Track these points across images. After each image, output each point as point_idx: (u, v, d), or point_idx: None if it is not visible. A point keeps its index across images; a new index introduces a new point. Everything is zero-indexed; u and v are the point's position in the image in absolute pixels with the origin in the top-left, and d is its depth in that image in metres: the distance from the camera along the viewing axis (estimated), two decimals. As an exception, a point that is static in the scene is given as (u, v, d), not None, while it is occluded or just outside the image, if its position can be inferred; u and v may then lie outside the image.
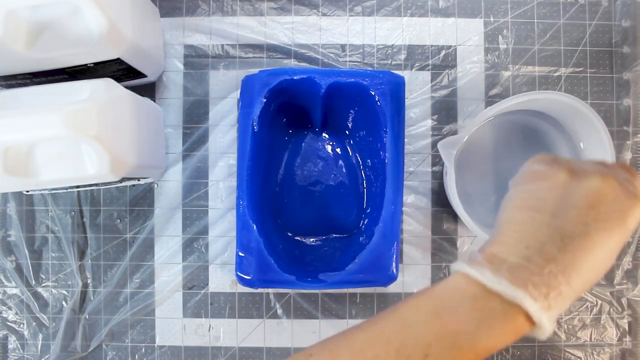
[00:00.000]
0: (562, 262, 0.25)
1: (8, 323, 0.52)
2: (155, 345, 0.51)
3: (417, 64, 0.52)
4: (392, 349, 0.25)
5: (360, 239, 0.47)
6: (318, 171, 0.51)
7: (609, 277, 0.52)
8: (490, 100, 0.52)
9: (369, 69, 0.52)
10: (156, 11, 0.51)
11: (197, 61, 0.52)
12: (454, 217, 0.52)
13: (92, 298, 0.51)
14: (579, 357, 0.52)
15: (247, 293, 0.51)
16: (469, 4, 0.53)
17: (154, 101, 0.52)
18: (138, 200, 0.52)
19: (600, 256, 0.26)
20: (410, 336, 0.25)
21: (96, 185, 0.48)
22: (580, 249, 0.26)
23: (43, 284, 0.52)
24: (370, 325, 0.27)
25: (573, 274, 0.25)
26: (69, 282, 0.51)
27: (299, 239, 0.51)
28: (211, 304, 0.51)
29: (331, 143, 0.52)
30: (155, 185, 0.52)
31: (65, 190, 0.50)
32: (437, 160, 0.52)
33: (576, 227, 0.26)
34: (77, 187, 0.49)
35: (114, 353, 0.51)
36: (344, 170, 0.51)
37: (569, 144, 0.49)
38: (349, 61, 0.53)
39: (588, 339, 0.52)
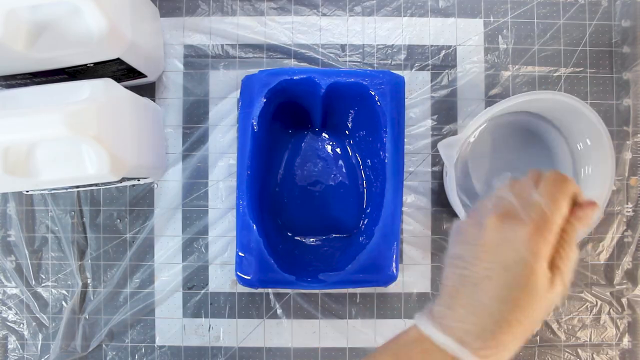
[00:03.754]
0: (472, 306, 0.28)
1: (8, 323, 0.52)
2: (155, 345, 0.51)
3: (417, 64, 0.52)
4: None
5: (360, 239, 0.47)
6: (318, 171, 0.51)
7: (609, 277, 0.52)
8: (490, 100, 0.52)
9: (369, 69, 0.52)
10: (156, 11, 0.51)
11: (197, 61, 0.52)
12: (454, 217, 0.52)
13: (92, 298, 0.51)
14: (579, 357, 0.52)
15: (247, 293, 0.51)
16: (469, 4, 0.53)
17: (154, 101, 0.52)
18: (138, 200, 0.52)
19: (509, 292, 0.27)
20: None
21: (96, 185, 0.48)
22: (485, 290, 0.28)
23: (43, 284, 0.52)
24: None
25: (485, 316, 0.27)
26: (69, 282, 0.51)
27: (298, 238, 0.51)
28: (211, 304, 0.51)
29: (331, 143, 0.52)
30: (155, 185, 0.52)
31: (65, 190, 0.50)
32: (437, 160, 0.52)
33: (479, 274, 0.28)
34: (77, 187, 0.49)
35: (114, 353, 0.51)
36: (343, 170, 0.51)
37: (568, 144, 0.49)
38: (349, 61, 0.53)
39: (588, 339, 0.52)
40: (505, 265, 0.28)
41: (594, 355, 0.52)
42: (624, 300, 0.52)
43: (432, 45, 0.53)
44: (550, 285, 0.28)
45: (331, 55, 0.52)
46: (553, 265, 0.28)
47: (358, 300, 0.51)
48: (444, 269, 0.31)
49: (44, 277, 0.52)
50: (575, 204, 0.30)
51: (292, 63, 0.52)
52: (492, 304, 0.27)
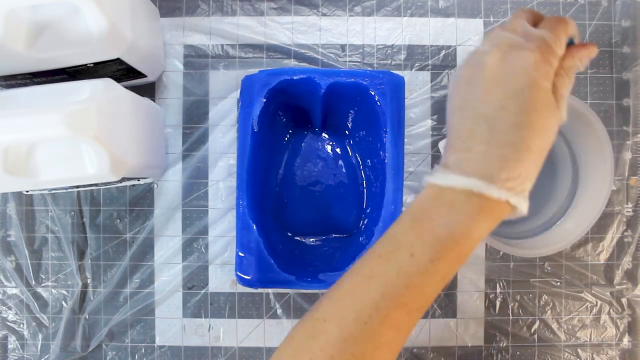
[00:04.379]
0: (492, 139, 0.27)
1: (8, 323, 0.52)
2: (155, 345, 0.51)
3: (417, 64, 0.52)
4: (382, 260, 0.28)
5: (360, 239, 0.47)
6: (318, 171, 0.51)
7: (608, 277, 0.52)
8: (490, 100, 0.52)
9: (369, 69, 0.52)
10: (156, 11, 0.51)
11: (197, 61, 0.52)
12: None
13: (92, 298, 0.51)
14: (578, 357, 0.52)
15: (247, 293, 0.51)
16: (469, 4, 0.53)
17: (154, 101, 0.52)
18: (138, 200, 0.52)
19: (524, 117, 0.27)
20: (395, 244, 0.28)
21: (96, 185, 0.48)
22: (502, 120, 0.27)
23: (43, 284, 0.52)
24: (367, 250, 0.30)
25: (507, 145, 0.27)
26: (69, 282, 0.51)
27: (299, 238, 0.51)
28: (211, 304, 0.51)
29: (331, 143, 0.52)
30: (155, 185, 0.52)
31: (65, 190, 0.50)
32: (437, 160, 0.52)
33: (492, 106, 0.28)
34: (77, 187, 0.49)
35: (114, 353, 0.51)
36: (343, 170, 0.51)
37: (568, 144, 0.49)
38: (349, 61, 0.53)
39: (588, 339, 0.52)
40: (518, 91, 0.27)
41: (594, 355, 0.52)
42: (624, 300, 0.52)
43: (432, 45, 0.53)
44: (556, 107, 0.28)
45: (331, 55, 0.52)
46: (555, 91, 0.29)
47: (358, 300, 0.51)
48: (449, 120, 0.30)
49: (44, 277, 0.52)
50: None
51: (292, 63, 0.52)
52: (511, 132, 0.27)
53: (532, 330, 0.52)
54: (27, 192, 0.51)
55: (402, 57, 0.53)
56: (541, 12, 0.52)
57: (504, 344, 0.51)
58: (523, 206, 0.28)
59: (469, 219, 0.27)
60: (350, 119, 0.50)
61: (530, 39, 0.28)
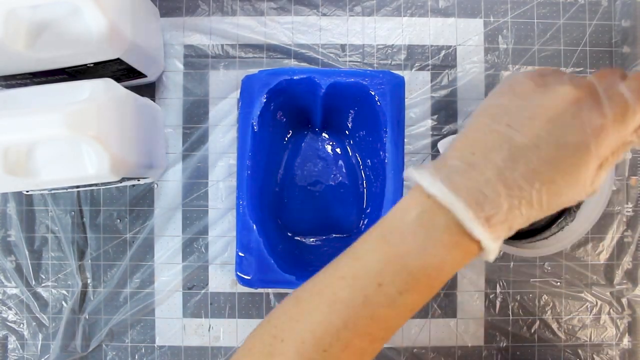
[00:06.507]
0: (504, 172, 0.24)
1: (8, 323, 0.52)
2: (155, 345, 0.51)
3: (417, 64, 0.52)
4: (346, 285, 0.25)
5: (360, 239, 0.47)
6: (318, 171, 0.51)
7: (608, 277, 0.52)
8: (490, 100, 0.52)
9: (369, 69, 0.52)
10: (156, 11, 0.51)
11: (197, 61, 0.52)
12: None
13: (92, 298, 0.51)
14: (578, 357, 0.52)
15: (247, 293, 0.51)
16: (469, 4, 0.53)
17: (154, 101, 0.52)
18: (138, 200, 0.52)
19: (552, 174, 0.24)
20: (361, 267, 0.25)
21: (96, 185, 0.48)
22: (527, 161, 0.23)
23: (43, 284, 0.52)
24: (330, 265, 0.27)
25: (515, 188, 0.23)
26: (69, 282, 0.51)
27: (299, 239, 0.51)
28: (211, 304, 0.51)
29: (331, 143, 0.52)
30: (155, 185, 0.52)
31: (65, 190, 0.50)
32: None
33: (527, 139, 0.24)
34: (77, 187, 0.49)
35: (114, 353, 0.51)
36: (344, 170, 0.51)
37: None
38: (349, 61, 0.53)
39: (588, 339, 0.52)
40: (564, 143, 0.23)
41: (594, 355, 0.52)
42: (624, 300, 0.52)
43: (432, 45, 0.53)
44: (590, 185, 0.25)
45: (331, 55, 0.52)
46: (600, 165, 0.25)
47: (358, 300, 0.51)
48: (474, 117, 0.26)
49: (44, 277, 0.52)
50: None
51: (292, 63, 0.52)
52: (528, 177, 0.23)
53: (532, 330, 0.52)
54: (27, 192, 0.51)
55: (402, 57, 0.53)
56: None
57: (504, 344, 0.51)
58: (492, 255, 0.24)
59: (445, 252, 0.24)
60: (350, 119, 0.50)
61: (612, 99, 0.24)
